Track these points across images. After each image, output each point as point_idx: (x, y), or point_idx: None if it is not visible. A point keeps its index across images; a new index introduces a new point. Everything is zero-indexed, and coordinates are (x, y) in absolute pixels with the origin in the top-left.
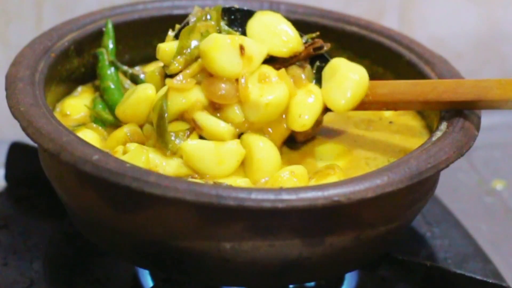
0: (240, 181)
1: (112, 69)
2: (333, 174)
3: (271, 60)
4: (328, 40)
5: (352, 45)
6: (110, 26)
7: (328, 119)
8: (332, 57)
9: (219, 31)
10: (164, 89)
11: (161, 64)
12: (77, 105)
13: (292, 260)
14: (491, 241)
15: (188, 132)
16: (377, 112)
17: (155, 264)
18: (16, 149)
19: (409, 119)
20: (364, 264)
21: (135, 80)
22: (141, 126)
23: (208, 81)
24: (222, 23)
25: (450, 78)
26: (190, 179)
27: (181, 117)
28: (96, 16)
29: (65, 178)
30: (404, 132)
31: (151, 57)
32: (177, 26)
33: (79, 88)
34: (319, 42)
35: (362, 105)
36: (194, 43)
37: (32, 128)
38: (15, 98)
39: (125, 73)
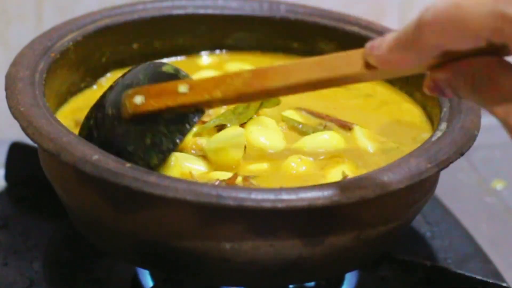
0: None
1: None
2: (342, 162)
3: None
4: (328, 40)
5: (352, 45)
6: None
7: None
8: None
9: None
10: None
11: None
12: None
13: (292, 260)
14: (491, 241)
15: None
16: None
17: (155, 264)
18: (16, 149)
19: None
20: (364, 264)
21: None
22: None
23: None
24: None
25: None
26: (190, 180)
27: None
28: (96, 16)
29: (65, 178)
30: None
31: (151, 57)
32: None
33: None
34: None
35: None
36: None
37: (32, 128)
38: (15, 98)
39: None
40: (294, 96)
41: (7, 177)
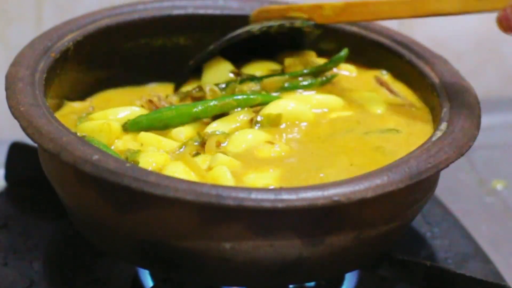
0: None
1: None
2: None
3: None
4: (328, 40)
5: (352, 45)
6: None
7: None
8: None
9: None
10: None
11: None
12: None
13: (292, 260)
14: (491, 241)
15: None
16: None
17: (155, 264)
18: (16, 149)
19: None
20: (364, 264)
21: None
22: None
23: None
24: None
25: (450, 78)
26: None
27: None
28: (96, 16)
29: (65, 178)
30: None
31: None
32: None
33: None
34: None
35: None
36: None
37: (32, 128)
38: (15, 98)
39: None
40: None
41: (7, 177)
